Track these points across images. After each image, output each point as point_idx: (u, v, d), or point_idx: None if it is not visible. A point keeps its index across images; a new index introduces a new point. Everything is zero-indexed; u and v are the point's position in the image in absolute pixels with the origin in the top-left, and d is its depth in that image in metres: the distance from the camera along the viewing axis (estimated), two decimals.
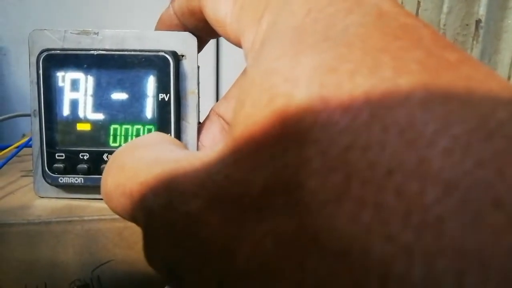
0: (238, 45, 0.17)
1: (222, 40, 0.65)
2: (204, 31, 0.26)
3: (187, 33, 0.33)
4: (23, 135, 0.53)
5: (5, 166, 0.39)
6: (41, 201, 0.34)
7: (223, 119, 0.28)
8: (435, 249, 0.08)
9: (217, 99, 0.68)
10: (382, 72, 0.10)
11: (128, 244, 0.33)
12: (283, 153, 0.10)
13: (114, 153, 0.16)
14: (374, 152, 0.09)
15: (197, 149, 0.35)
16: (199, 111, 0.45)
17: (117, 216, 0.32)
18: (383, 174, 0.09)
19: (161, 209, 0.13)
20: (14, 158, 0.41)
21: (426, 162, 0.09)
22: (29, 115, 0.41)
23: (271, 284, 0.10)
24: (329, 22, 0.12)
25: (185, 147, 0.17)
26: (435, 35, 0.11)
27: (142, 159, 0.15)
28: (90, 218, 0.32)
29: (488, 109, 0.09)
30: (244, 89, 0.12)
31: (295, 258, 0.10)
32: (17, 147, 0.41)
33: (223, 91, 0.68)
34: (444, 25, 0.32)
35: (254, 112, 0.11)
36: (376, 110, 0.10)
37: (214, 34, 0.25)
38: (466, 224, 0.08)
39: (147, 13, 0.62)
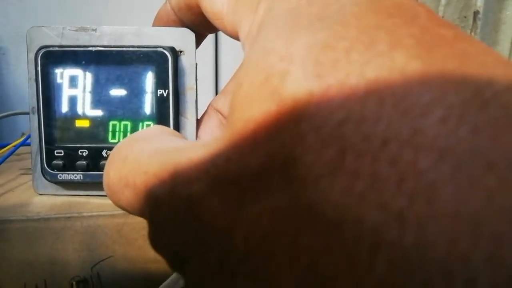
0: (235, 36, 0.17)
1: (221, 36, 0.65)
2: (201, 26, 0.26)
3: (185, 29, 0.33)
4: (22, 134, 0.53)
5: (4, 165, 0.39)
6: (40, 198, 0.34)
7: (221, 114, 0.28)
8: (427, 215, 0.08)
9: (216, 95, 0.68)
10: (378, 48, 0.10)
11: (127, 240, 0.33)
12: (280, 131, 0.10)
13: (115, 146, 0.16)
14: (369, 124, 0.09)
15: None
16: (197, 107, 0.45)
17: (116, 212, 0.32)
18: (378, 145, 0.09)
19: (166, 196, 0.13)
20: (13, 156, 0.41)
21: (421, 131, 0.09)
22: (27, 113, 0.41)
23: (269, 264, 0.10)
24: (324, 4, 0.12)
25: (185, 138, 0.17)
26: (430, 13, 0.11)
27: (144, 151, 0.15)
28: (89, 214, 0.32)
29: (484, 81, 0.09)
30: (241, 73, 0.12)
31: (290, 235, 0.10)
32: (16, 145, 0.41)
33: (222, 87, 0.68)
34: (443, 17, 0.32)
35: (251, 93, 0.11)
36: (371, 84, 0.10)
37: (212, 29, 0.25)
38: (459, 189, 0.08)
39: (145, 9, 0.62)
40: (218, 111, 0.28)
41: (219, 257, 0.11)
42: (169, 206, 0.13)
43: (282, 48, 0.11)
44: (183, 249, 0.12)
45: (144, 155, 0.14)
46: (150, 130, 0.18)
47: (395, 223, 0.08)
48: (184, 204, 0.12)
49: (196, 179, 0.12)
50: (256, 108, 0.11)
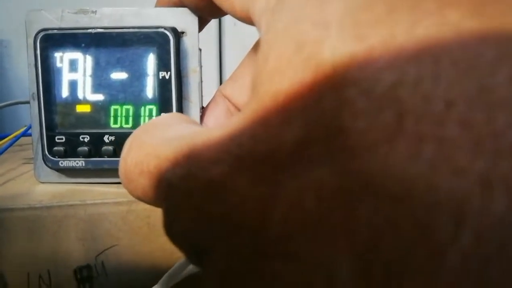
0: (245, 17, 0.16)
1: (225, 23, 0.63)
2: (205, 10, 0.25)
3: (186, 9, 0.32)
4: (24, 126, 0.53)
5: (6, 155, 0.39)
6: (42, 186, 0.34)
7: (229, 100, 0.27)
8: None
9: (220, 83, 0.67)
10: (424, 6, 0.09)
11: (132, 228, 0.32)
12: (318, 100, 0.09)
13: (133, 133, 0.16)
14: (426, 86, 0.08)
15: None
16: (202, 95, 0.44)
17: (120, 200, 0.31)
18: (441, 107, 0.08)
19: (180, 180, 0.12)
20: (15, 147, 0.40)
21: (489, 90, 0.08)
22: (27, 102, 0.40)
23: (315, 245, 0.09)
24: None
25: (196, 123, 0.17)
26: None
27: (161, 136, 0.14)
28: (92, 202, 0.31)
29: None
30: (264, 47, 0.11)
31: (342, 212, 0.09)
32: (17, 135, 0.41)
33: (226, 75, 0.67)
34: None
35: (280, 65, 0.10)
36: (422, 43, 0.09)
37: (215, 13, 0.24)
38: None
39: None
40: (226, 97, 0.27)
41: (252, 242, 0.10)
42: (185, 191, 0.12)
43: (314, 14, 0.10)
44: (203, 238, 0.11)
45: (161, 140, 0.14)
46: (168, 117, 0.17)
47: (479, 188, 0.07)
48: (202, 189, 0.11)
49: (216, 161, 0.11)
50: (287, 79, 0.10)
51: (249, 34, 0.65)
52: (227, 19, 0.64)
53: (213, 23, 0.63)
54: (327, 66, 0.09)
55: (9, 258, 0.31)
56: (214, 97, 0.28)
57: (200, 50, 0.42)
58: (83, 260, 0.32)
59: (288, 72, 0.10)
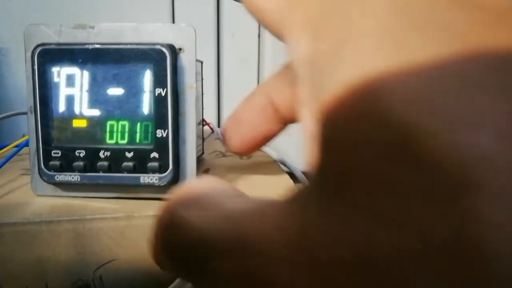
0: (276, 32, 0.15)
1: (223, 34, 0.64)
2: None
3: (185, 25, 0.32)
4: (23, 135, 0.53)
5: (5, 165, 0.39)
6: (40, 199, 0.34)
7: (270, 98, 0.25)
8: None
9: (218, 94, 0.67)
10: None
11: (130, 243, 0.32)
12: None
13: (167, 205, 0.14)
14: None
15: (196, 146, 0.34)
16: (203, 107, 0.44)
17: (119, 215, 0.31)
18: None
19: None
20: (15, 157, 0.40)
21: None
22: (23, 113, 0.40)
23: None
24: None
25: (243, 194, 0.14)
26: None
27: (210, 217, 0.12)
28: (91, 217, 0.31)
29: None
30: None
31: None
32: (17, 146, 0.41)
33: (224, 86, 0.67)
34: None
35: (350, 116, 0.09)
36: None
37: None
38: None
39: (146, 5, 0.61)
40: (266, 94, 0.25)
41: None
42: None
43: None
44: None
45: (209, 222, 0.12)
46: (202, 187, 0.14)
47: None
48: None
49: (285, 262, 0.09)
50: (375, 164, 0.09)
51: (247, 45, 0.66)
52: (225, 30, 0.64)
53: (211, 34, 0.63)
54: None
55: (7, 271, 0.31)
56: (253, 92, 0.26)
57: (201, 62, 0.43)
58: (82, 274, 0.32)
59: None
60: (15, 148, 0.40)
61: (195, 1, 0.62)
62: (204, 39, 0.32)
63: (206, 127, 0.45)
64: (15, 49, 0.58)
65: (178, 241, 0.13)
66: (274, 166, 0.46)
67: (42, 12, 0.60)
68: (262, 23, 0.16)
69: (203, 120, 0.44)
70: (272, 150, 0.46)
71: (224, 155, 0.49)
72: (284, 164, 0.48)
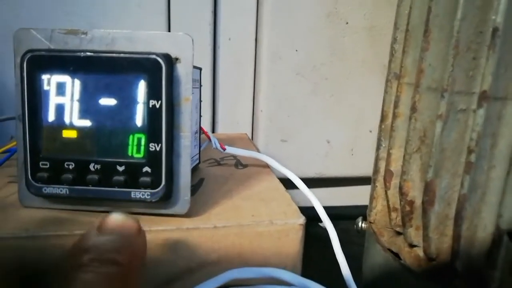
0: None
1: (219, 37, 0.62)
2: None
3: (182, 34, 0.31)
4: (11, 137, 0.51)
5: None
6: (27, 212, 0.32)
7: None
8: None
9: (214, 98, 0.66)
10: None
11: None
12: None
13: None
14: None
15: (192, 158, 0.33)
16: (200, 114, 0.43)
17: None
18: None
19: None
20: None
21: None
22: (12, 118, 0.39)
23: None
24: None
25: None
26: None
27: None
28: (80, 232, 0.30)
29: None
30: None
31: None
32: (6, 151, 0.39)
33: (220, 90, 0.66)
34: (458, 32, 0.29)
35: None
36: None
37: None
38: None
39: (142, 12, 0.60)
40: None
41: None
42: None
43: None
44: None
45: None
46: None
47: None
48: None
49: None
50: None
51: (244, 49, 0.65)
52: (222, 34, 0.63)
53: (207, 37, 0.62)
54: None
55: None
56: None
57: (200, 69, 0.41)
58: None
59: None
60: (6, 154, 0.38)
61: (191, 4, 0.61)
62: (200, 42, 0.30)
63: (202, 135, 0.44)
64: (4, 48, 0.56)
65: None
66: (269, 175, 0.45)
67: (32, 11, 0.58)
68: None
69: (200, 128, 0.43)
70: (267, 157, 0.45)
71: (219, 164, 0.48)
72: (280, 171, 0.47)
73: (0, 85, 0.58)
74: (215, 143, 0.43)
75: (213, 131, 0.68)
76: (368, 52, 0.66)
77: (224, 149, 0.43)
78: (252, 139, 0.68)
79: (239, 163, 0.49)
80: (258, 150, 0.54)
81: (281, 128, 0.67)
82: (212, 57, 0.63)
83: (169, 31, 0.61)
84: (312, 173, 0.70)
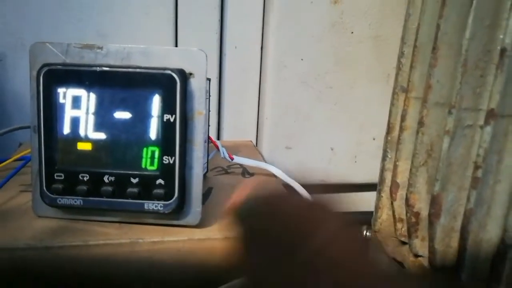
0: None
1: (226, 45, 0.63)
2: None
3: (196, 49, 0.32)
4: (20, 144, 0.52)
5: (3, 178, 0.38)
6: (41, 222, 0.33)
7: None
8: None
9: (219, 106, 0.66)
10: None
11: (134, 269, 0.31)
12: None
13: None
14: None
15: (203, 173, 0.33)
16: (208, 125, 0.44)
17: (123, 241, 0.31)
18: None
19: None
20: (13, 168, 0.39)
21: None
22: (27, 127, 0.39)
23: None
24: None
25: None
26: None
27: None
28: (95, 242, 0.31)
29: None
30: None
31: None
32: (18, 159, 0.40)
33: (226, 96, 0.66)
34: (467, 50, 0.30)
35: None
36: None
37: None
38: None
39: (149, 19, 0.60)
40: None
41: None
42: None
43: None
44: None
45: None
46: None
47: None
48: None
49: None
50: None
51: (250, 57, 0.65)
52: (228, 42, 0.64)
53: (214, 47, 0.63)
54: None
55: None
56: None
57: (209, 80, 0.42)
58: None
59: None
60: (21, 162, 0.39)
61: (198, 12, 0.61)
62: (206, 50, 0.31)
63: (210, 144, 0.45)
64: (12, 54, 0.57)
65: None
66: (276, 183, 0.45)
67: (40, 17, 0.58)
68: None
69: (208, 138, 0.43)
70: (274, 168, 0.45)
71: (226, 172, 0.49)
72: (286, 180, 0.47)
73: (9, 93, 0.58)
74: (223, 153, 0.44)
75: (218, 138, 0.68)
76: (372, 61, 0.66)
77: (232, 159, 0.44)
78: (256, 145, 0.69)
79: (246, 171, 0.49)
80: (263, 157, 0.55)
81: (286, 135, 0.68)
82: (218, 65, 0.64)
83: (176, 39, 0.62)
84: (316, 180, 0.70)
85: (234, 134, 0.69)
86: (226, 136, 0.68)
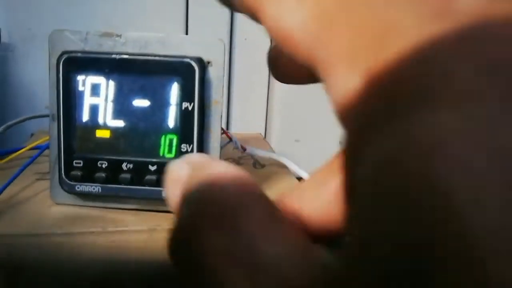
0: (309, 65, 0.12)
1: (236, 37, 0.63)
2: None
3: (214, 38, 0.32)
4: (32, 135, 0.52)
5: (18, 168, 0.38)
6: (59, 209, 0.33)
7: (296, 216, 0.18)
8: None
9: (228, 96, 0.67)
10: None
11: (152, 256, 0.32)
12: None
13: (195, 192, 0.12)
14: None
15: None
16: (221, 116, 0.44)
17: (141, 228, 0.31)
18: None
19: None
20: (27, 159, 0.40)
21: None
22: (38, 117, 0.39)
23: None
24: None
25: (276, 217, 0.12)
26: None
27: (222, 249, 0.11)
28: (113, 229, 0.31)
29: None
30: None
31: None
32: (34, 148, 0.40)
33: (235, 88, 0.66)
34: None
35: None
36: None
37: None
38: None
39: (160, 11, 0.61)
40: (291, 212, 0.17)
41: None
42: None
43: None
44: None
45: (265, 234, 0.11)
46: (235, 197, 0.12)
47: None
48: None
49: None
50: None
51: (259, 49, 0.65)
52: (238, 34, 0.64)
53: (224, 38, 0.63)
54: None
55: (31, 283, 0.31)
56: (329, 163, 0.17)
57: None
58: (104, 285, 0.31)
59: None
60: (33, 152, 0.39)
61: (208, 3, 0.62)
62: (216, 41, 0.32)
63: (222, 135, 0.45)
64: (22, 45, 0.57)
65: (188, 263, 0.12)
66: (288, 175, 0.46)
67: (50, 7, 0.59)
68: (291, 54, 0.13)
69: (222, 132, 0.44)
70: (286, 159, 0.46)
71: (238, 163, 0.49)
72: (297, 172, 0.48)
73: (20, 84, 0.59)
74: (236, 143, 0.44)
75: (226, 130, 0.68)
76: None
77: (245, 150, 0.44)
78: (265, 138, 0.69)
79: (257, 163, 0.49)
80: (273, 150, 0.55)
81: (295, 128, 0.68)
82: (228, 56, 0.64)
83: (186, 30, 0.62)
84: None
85: (243, 126, 0.69)
86: (235, 128, 0.69)
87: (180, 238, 0.12)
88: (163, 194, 0.32)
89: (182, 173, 0.14)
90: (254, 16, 0.14)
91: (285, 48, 0.13)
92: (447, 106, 0.09)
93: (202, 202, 0.12)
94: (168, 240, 0.13)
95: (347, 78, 0.11)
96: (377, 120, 0.10)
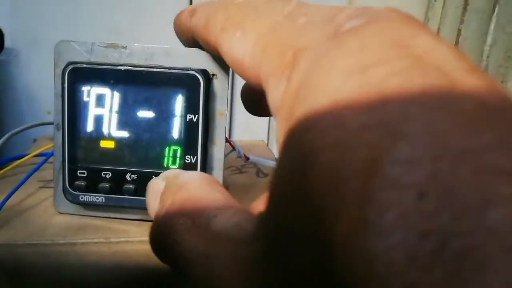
0: (259, 88, 0.16)
1: None
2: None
3: None
4: (34, 140, 0.52)
5: (21, 175, 0.38)
6: (63, 218, 0.33)
7: None
8: None
9: (231, 108, 0.67)
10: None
11: (156, 267, 0.32)
12: None
13: (164, 211, 0.18)
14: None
15: (223, 177, 0.33)
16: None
17: (144, 238, 0.31)
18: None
19: None
20: (31, 166, 0.40)
21: None
22: (42, 125, 0.40)
23: None
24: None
25: (228, 206, 0.17)
26: None
27: (186, 233, 0.16)
28: (117, 240, 0.31)
29: None
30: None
31: None
32: (38, 155, 0.40)
33: (237, 99, 0.66)
34: (488, 56, 0.30)
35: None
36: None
37: None
38: None
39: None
40: None
41: None
42: None
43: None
44: None
45: (188, 240, 0.15)
46: (197, 193, 0.18)
47: None
48: None
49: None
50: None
51: None
52: None
53: None
54: None
55: None
56: None
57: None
58: None
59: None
60: (37, 158, 0.39)
61: None
62: None
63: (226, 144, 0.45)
64: (26, 50, 0.58)
65: (165, 248, 0.16)
66: None
67: (53, 13, 0.59)
68: (246, 79, 0.16)
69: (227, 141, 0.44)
70: None
71: (240, 172, 0.49)
72: None
73: (23, 89, 0.59)
74: (239, 152, 0.44)
75: (229, 137, 0.69)
76: None
77: (248, 159, 0.44)
78: (268, 145, 0.69)
79: (260, 171, 0.50)
80: (276, 158, 0.55)
81: None
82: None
83: None
84: None
85: (245, 133, 0.69)
86: (237, 135, 0.69)
87: (158, 229, 0.17)
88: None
89: (160, 186, 0.20)
90: (218, 53, 0.18)
91: (240, 74, 0.16)
92: None
93: (172, 201, 0.17)
94: (149, 234, 0.17)
95: (277, 86, 0.13)
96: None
